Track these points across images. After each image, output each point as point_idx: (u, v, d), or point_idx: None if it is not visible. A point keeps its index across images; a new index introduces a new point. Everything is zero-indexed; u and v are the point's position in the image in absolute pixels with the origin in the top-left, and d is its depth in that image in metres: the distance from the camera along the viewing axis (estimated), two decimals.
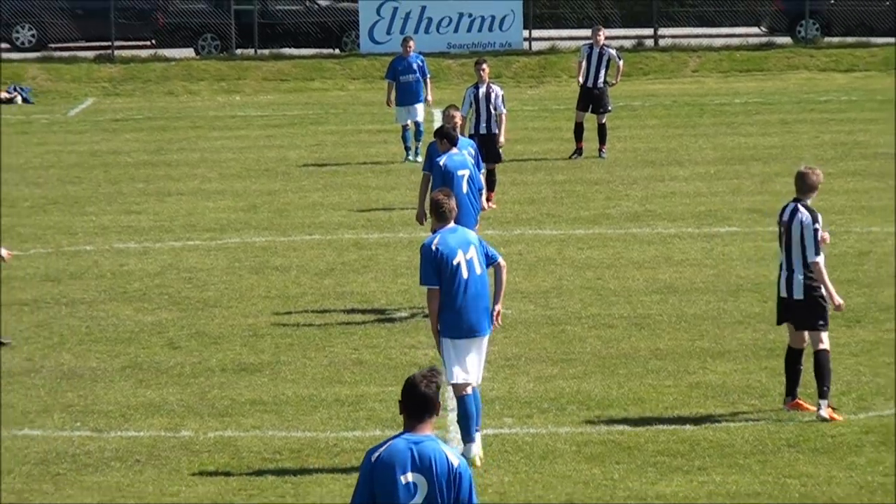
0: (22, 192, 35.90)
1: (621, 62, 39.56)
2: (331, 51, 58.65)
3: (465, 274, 15.05)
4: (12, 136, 45.97)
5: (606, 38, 50.99)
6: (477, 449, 15.65)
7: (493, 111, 31.15)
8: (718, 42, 58.93)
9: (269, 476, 16.18)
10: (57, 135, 46.26)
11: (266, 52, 58.02)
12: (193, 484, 15.85)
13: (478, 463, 15.35)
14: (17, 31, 58.52)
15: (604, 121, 38.45)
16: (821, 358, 17.11)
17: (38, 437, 17.65)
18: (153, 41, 58.80)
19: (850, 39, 57.24)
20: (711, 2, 61.49)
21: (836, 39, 57.59)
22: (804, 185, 17.50)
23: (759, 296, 22.35)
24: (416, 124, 38.35)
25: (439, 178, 22.68)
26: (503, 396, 18.58)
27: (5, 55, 56.13)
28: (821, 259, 16.99)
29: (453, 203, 16.63)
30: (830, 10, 58.16)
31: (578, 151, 38.21)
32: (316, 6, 59.88)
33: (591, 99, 38.40)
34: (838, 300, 17.38)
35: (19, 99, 52.21)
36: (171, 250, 29.12)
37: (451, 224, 16.03)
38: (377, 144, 40.55)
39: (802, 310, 17.16)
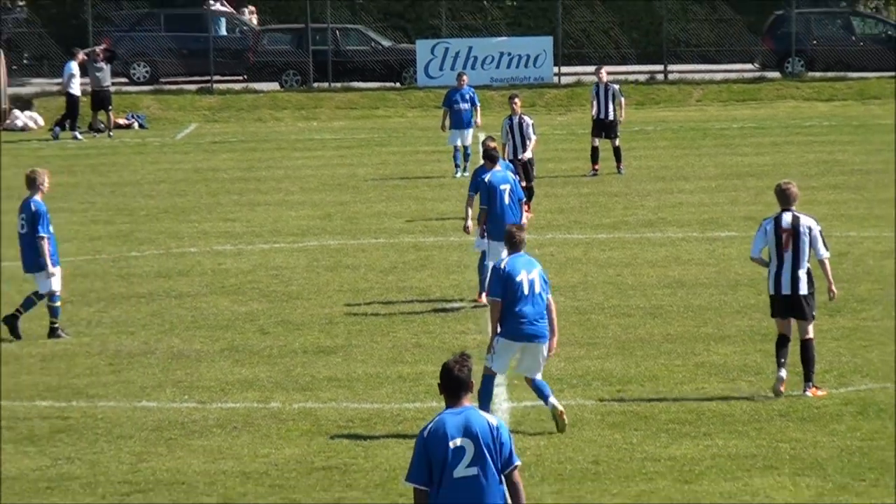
0: (138, 202, 36.02)
1: (623, 98, 39.25)
2: (392, 84, 58.44)
3: (525, 290, 15.00)
4: (130, 155, 46.14)
5: (622, 73, 51.25)
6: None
7: (526, 139, 30.95)
8: (718, 76, 58.47)
9: (343, 440, 16.19)
10: (166, 155, 46.34)
11: (338, 85, 57.83)
12: (280, 447, 15.85)
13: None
14: (134, 68, 58.60)
15: (617, 143, 38.19)
16: (810, 346, 16.96)
17: (154, 408, 17.70)
18: (245, 76, 58.77)
19: (829, 74, 56.70)
20: (712, 42, 60.96)
21: (818, 74, 57.01)
22: (790, 197, 17.28)
23: (755, 290, 22.07)
24: (465, 147, 38.32)
25: (485, 192, 22.69)
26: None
27: (124, 88, 56.11)
28: None
29: (524, 235, 16.66)
30: (813, 49, 57.57)
31: (594, 171, 38.03)
32: (380, 47, 59.65)
33: (603, 127, 38.16)
34: (835, 290, 17.40)
35: (136, 125, 52.33)
36: (260, 251, 29.13)
37: (521, 252, 15.96)
38: (431, 163, 40.38)
39: (805, 303, 17.03)
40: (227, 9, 60.72)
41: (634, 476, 14.25)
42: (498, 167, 23.30)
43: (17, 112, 53.02)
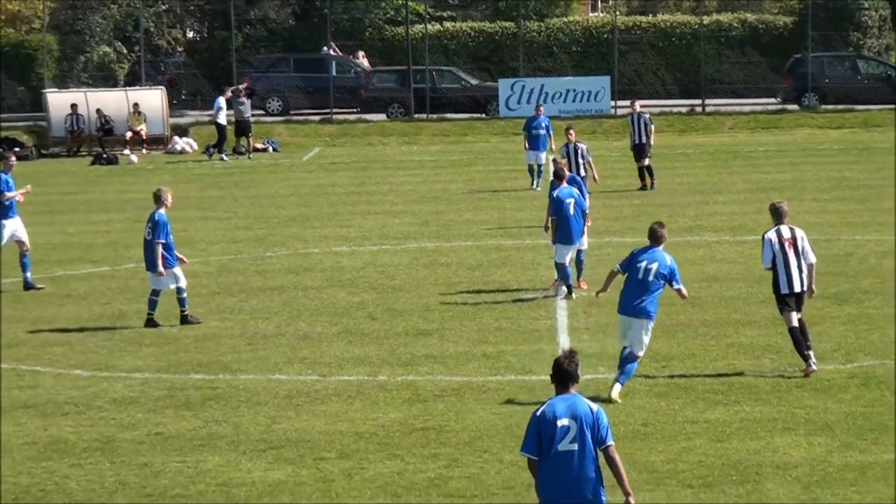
0: (272, 212, 36.16)
1: (652, 125, 38.87)
2: (479, 115, 58.26)
3: (640, 275, 16.08)
4: (265, 174, 46.32)
5: (667, 105, 50.85)
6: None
7: (580, 160, 30.65)
8: (747, 108, 57.93)
9: (438, 406, 16.22)
10: (294, 173, 46.48)
11: (434, 116, 57.76)
12: (386, 412, 15.91)
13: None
14: (269, 103, 58.97)
15: (647, 163, 37.87)
16: (804, 324, 17.09)
17: (284, 380, 17.83)
18: (358, 109, 58.82)
19: (839, 107, 56.16)
20: (741, 80, 60.44)
21: (829, 107, 56.38)
22: (783, 214, 17.58)
23: None
24: (539, 165, 38.27)
25: (554, 205, 22.81)
26: (598, 353, 18.38)
27: (261, 119, 56.44)
28: None
29: (664, 231, 16.80)
30: (826, 86, 56.98)
31: (643, 186, 37.77)
32: (469, 84, 59.55)
33: (639, 150, 37.95)
34: (815, 288, 17.44)
35: (270, 149, 52.51)
36: (370, 252, 29.11)
37: (660, 247, 16.53)
38: (511, 179, 40.20)
39: (806, 296, 17.16)
40: (343, 54, 60.79)
41: (676, 436, 14.30)
42: (565, 184, 23.33)
43: (176, 138, 53.49)
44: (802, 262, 17.02)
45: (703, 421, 15.00)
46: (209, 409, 16.20)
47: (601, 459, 8.80)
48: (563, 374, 9.00)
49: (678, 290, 16.49)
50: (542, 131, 38.20)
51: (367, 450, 14.22)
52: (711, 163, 46.12)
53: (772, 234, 17.28)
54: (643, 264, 15.89)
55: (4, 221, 24.14)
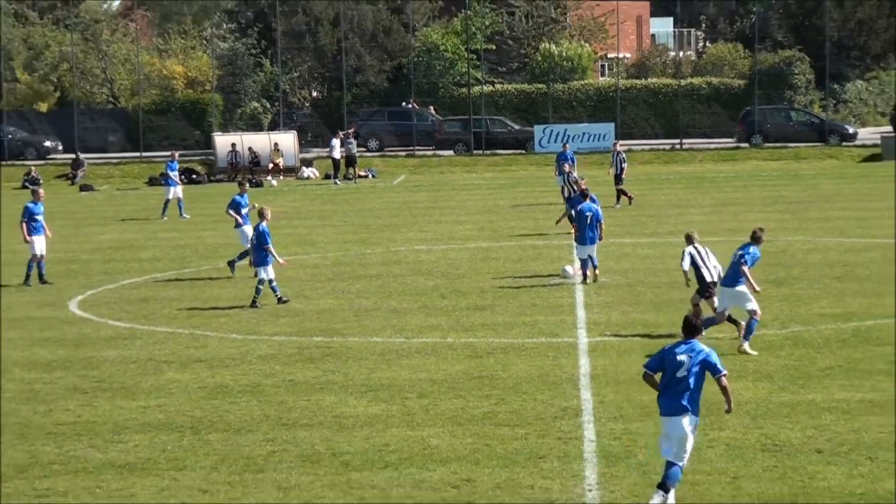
0: (371, 221, 36.01)
1: (626, 162, 37.96)
2: (520, 151, 58.04)
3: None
4: (367, 193, 46.22)
5: (654, 144, 50.17)
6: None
7: (573, 185, 29.65)
8: (712, 146, 57.28)
9: (490, 361, 16.17)
10: (387, 193, 46.48)
11: (488, 151, 57.74)
12: (453, 364, 15.97)
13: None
14: (370, 142, 59.00)
15: (621, 186, 36.95)
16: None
17: (379, 342, 17.88)
18: (433, 147, 58.81)
19: (778, 145, 55.49)
20: (709, 125, 59.94)
21: (770, 144, 55.73)
22: (759, 239, 16.56)
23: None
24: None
25: (577, 216, 22.99)
26: (605, 322, 18.22)
27: (364, 154, 56.47)
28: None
29: (762, 234, 16.70)
30: (768, 129, 56.53)
31: (630, 201, 36.57)
32: (513, 129, 59.26)
33: (617, 178, 37.00)
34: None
35: (370, 176, 52.59)
36: (441, 250, 28.95)
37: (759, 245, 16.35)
38: (544, 195, 39.72)
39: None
40: (420, 108, 60.81)
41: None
42: (588, 200, 23.22)
43: (304, 168, 53.85)
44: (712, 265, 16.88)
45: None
46: (326, 363, 16.26)
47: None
48: (691, 328, 9.37)
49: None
50: (569, 162, 37.09)
51: (439, 391, 14.28)
52: (687, 185, 45.41)
53: (691, 249, 17.21)
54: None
55: (34, 237, 23.82)
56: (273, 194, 45.28)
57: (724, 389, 9.32)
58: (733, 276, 16.06)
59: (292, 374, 15.59)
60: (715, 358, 9.27)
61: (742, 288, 15.93)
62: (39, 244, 24.02)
